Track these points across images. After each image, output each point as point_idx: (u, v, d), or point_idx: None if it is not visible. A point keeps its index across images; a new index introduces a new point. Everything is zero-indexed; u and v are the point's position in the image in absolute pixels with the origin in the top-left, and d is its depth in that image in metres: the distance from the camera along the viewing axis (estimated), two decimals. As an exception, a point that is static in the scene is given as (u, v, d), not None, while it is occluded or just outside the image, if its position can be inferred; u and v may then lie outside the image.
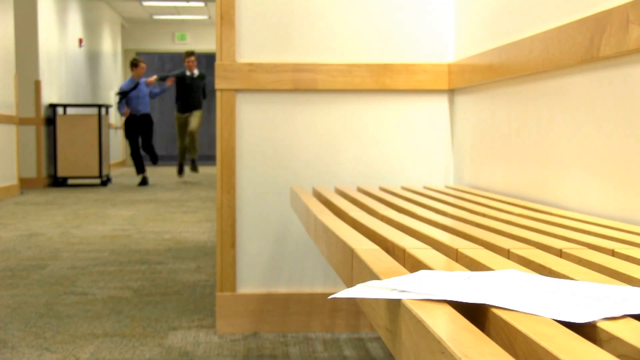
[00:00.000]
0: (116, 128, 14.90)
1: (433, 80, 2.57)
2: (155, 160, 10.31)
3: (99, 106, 10.00)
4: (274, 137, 2.55)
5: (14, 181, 8.47)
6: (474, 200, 1.82)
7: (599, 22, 1.48)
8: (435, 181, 2.60)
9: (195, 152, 10.28)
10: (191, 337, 2.50)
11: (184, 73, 10.11)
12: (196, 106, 10.19)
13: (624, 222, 1.41)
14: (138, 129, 9.94)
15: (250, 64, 2.51)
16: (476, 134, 2.36)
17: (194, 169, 10.42)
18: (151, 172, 13.71)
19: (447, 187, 2.39)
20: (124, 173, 13.36)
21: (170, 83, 10.04)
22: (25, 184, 9.58)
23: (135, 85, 9.92)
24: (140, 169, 10.06)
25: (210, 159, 19.43)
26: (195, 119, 10.18)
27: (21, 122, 9.60)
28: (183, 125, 10.25)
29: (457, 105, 2.55)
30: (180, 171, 10.44)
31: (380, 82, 2.55)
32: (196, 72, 10.16)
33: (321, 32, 2.56)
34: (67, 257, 4.14)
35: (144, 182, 10.00)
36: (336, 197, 1.88)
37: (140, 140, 10.76)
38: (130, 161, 16.54)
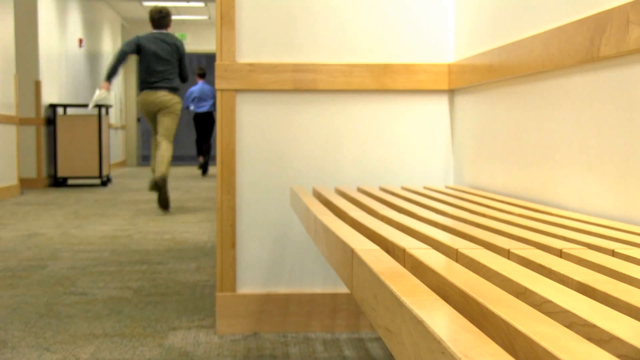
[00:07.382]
0: (116, 128, 14.90)
1: (433, 80, 2.57)
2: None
3: (99, 106, 9.99)
4: (274, 137, 2.55)
5: (14, 181, 8.47)
6: (474, 201, 1.82)
7: (599, 22, 1.48)
8: (435, 181, 2.60)
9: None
10: (191, 338, 2.50)
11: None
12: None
13: (624, 222, 1.41)
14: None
15: (250, 64, 2.51)
16: (476, 134, 2.36)
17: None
18: (150, 172, 13.70)
19: (447, 187, 2.39)
20: (124, 173, 13.36)
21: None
22: (26, 184, 9.58)
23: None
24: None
25: (210, 159, 19.40)
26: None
27: (21, 122, 9.59)
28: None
29: (457, 105, 2.55)
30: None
31: (380, 82, 2.55)
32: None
33: (321, 32, 2.55)
34: (67, 257, 4.14)
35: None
36: (336, 197, 1.88)
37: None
38: (130, 162, 16.61)
